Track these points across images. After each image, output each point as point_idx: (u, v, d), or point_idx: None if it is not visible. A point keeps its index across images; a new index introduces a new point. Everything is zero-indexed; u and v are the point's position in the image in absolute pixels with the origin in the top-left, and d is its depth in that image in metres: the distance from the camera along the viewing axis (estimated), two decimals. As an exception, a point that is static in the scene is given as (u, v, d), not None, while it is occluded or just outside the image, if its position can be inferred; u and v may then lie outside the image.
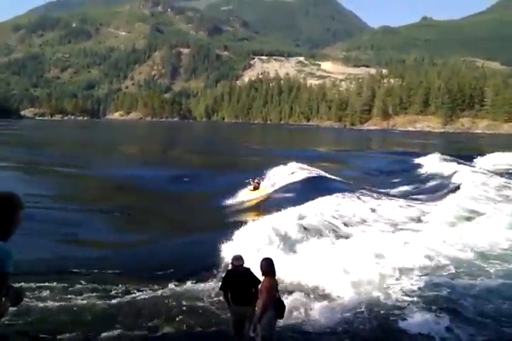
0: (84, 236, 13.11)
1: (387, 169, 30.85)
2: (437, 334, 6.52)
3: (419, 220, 13.76)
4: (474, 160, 34.71)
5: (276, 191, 19.27)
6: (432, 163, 29.58)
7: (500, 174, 25.48)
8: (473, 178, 21.63)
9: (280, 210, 12.24)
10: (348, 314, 7.17)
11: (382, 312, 7.29)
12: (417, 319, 6.90)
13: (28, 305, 7.03)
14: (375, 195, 17.34)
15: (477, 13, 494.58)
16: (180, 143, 63.23)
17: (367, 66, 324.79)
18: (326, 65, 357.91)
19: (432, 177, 24.89)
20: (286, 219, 11.52)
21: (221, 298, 7.71)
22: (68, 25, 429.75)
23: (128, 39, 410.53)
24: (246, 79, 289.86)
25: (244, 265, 5.60)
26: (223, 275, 6.04)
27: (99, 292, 8.04)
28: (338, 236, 11.09)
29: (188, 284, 8.57)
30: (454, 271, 9.18)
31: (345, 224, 12.49)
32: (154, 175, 25.11)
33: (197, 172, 26.41)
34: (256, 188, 18.98)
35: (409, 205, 15.89)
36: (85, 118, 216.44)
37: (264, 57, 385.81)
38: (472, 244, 10.81)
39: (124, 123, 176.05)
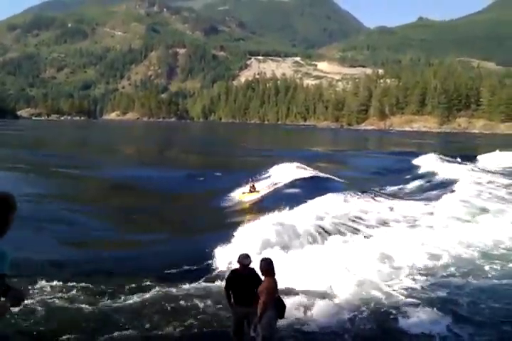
0: (85, 236, 13.09)
1: (384, 169, 30.86)
2: (438, 334, 6.51)
3: (419, 220, 13.73)
4: (473, 159, 34.73)
5: (274, 191, 19.27)
6: (429, 163, 29.57)
7: (502, 173, 25.52)
8: (473, 177, 21.69)
9: (279, 211, 12.20)
10: (348, 314, 7.16)
11: (382, 312, 7.28)
12: (418, 318, 6.90)
13: (28, 306, 6.99)
14: (374, 194, 17.32)
15: (473, 13, 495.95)
16: (177, 144, 63.13)
17: (363, 66, 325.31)
18: (323, 65, 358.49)
19: (430, 176, 24.86)
20: (286, 219, 11.50)
21: (221, 298, 7.75)
22: (64, 25, 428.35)
23: (124, 39, 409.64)
24: (242, 79, 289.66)
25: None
26: (227, 274, 5.86)
27: (99, 292, 8.02)
28: (338, 236, 11.07)
29: (188, 284, 8.56)
30: (455, 271, 9.19)
31: (346, 224, 12.47)
32: (152, 175, 25.03)
33: (196, 173, 26.36)
34: (251, 191, 18.85)
35: (409, 205, 15.89)
36: (82, 118, 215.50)
37: (260, 58, 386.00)
38: (475, 243, 10.81)
39: (121, 123, 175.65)
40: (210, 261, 9.82)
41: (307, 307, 7.32)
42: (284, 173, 22.82)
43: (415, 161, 31.77)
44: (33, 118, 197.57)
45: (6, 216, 2.80)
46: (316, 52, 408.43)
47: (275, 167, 24.39)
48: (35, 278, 8.33)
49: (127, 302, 7.65)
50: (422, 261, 9.55)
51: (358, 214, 13.73)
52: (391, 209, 15.04)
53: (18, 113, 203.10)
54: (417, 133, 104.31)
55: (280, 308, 5.51)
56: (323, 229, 11.66)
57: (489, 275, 8.99)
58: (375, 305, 7.47)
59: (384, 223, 13.28)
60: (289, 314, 6.36)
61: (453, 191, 17.94)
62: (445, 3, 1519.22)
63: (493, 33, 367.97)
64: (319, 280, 8.35)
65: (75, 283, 8.29)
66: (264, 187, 20.33)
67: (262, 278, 5.50)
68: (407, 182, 23.83)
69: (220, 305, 7.42)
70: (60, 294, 7.81)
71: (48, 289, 7.96)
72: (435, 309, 7.17)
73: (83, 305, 7.39)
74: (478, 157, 35.82)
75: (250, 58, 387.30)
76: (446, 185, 20.56)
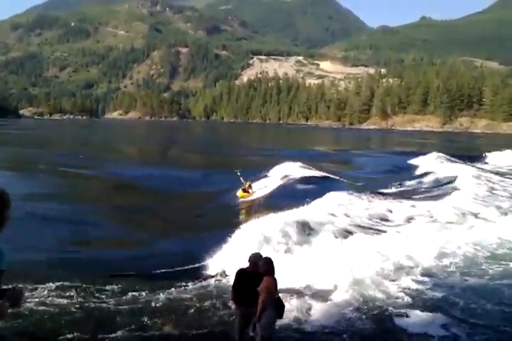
0: (84, 235, 13.09)
1: (387, 168, 30.78)
2: (437, 334, 6.49)
3: (420, 219, 13.68)
4: (477, 159, 34.65)
5: (273, 191, 19.22)
6: (432, 162, 29.50)
7: (508, 173, 25.47)
8: (477, 177, 21.61)
9: (278, 210, 12.16)
10: (348, 314, 7.13)
11: (382, 311, 7.25)
12: (417, 318, 6.88)
13: (27, 306, 6.97)
14: (375, 194, 17.26)
15: (476, 12, 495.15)
16: (179, 143, 63.10)
17: (365, 66, 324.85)
18: (325, 65, 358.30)
19: (434, 175, 24.77)
20: (285, 219, 11.45)
21: (220, 297, 7.72)
22: (67, 24, 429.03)
23: (127, 38, 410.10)
24: (245, 78, 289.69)
25: (246, 265, 5.53)
26: (236, 273, 5.61)
27: (98, 292, 8.00)
28: (338, 236, 11.02)
29: (188, 284, 8.54)
30: (455, 270, 9.15)
31: (345, 224, 12.42)
32: (153, 174, 25.02)
33: (197, 173, 26.37)
34: (246, 191, 18.52)
35: (412, 205, 15.81)
36: (84, 117, 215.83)
37: (262, 57, 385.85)
38: (480, 243, 10.77)
39: (123, 122, 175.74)
40: (210, 260, 9.78)
41: (307, 307, 7.29)
42: (284, 173, 22.79)
43: (418, 161, 31.66)
44: (35, 117, 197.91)
45: (1, 213, 2.70)
46: (319, 52, 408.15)
47: (277, 167, 24.34)
48: (33, 277, 8.29)
49: (127, 301, 7.63)
50: (423, 260, 9.50)
51: (359, 213, 13.68)
52: (393, 208, 14.99)
53: (21, 112, 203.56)
54: (419, 133, 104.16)
55: (279, 308, 5.47)
56: (323, 229, 11.60)
57: (491, 275, 8.94)
58: (374, 305, 7.43)
59: (384, 222, 13.24)
60: (288, 314, 6.32)
61: (457, 190, 17.88)
62: (448, 3, 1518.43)
63: (496, 32, 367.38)
64: (319, 280, 8.32)
65: (74, 283, 8.27)
66: (263, 186, 20.25)
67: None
68: (414, 180, 23.74)
69: (220, 305, 7.39)
70: (59, 294, 7.78)
71: (48, 289, 7.94)
72: (435, 309, 7.13)
73: (83, 305, 7.37)
74: (480, 156, 35.73)
75: (252, 57, 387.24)
76: (450, 185, 20.45)
